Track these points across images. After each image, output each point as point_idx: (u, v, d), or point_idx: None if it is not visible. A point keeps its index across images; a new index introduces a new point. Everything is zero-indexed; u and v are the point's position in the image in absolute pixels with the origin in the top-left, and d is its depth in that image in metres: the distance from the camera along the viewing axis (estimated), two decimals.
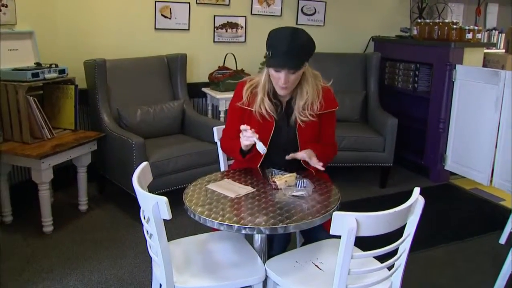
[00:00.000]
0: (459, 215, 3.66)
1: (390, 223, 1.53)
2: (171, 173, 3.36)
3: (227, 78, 4.11)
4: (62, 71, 3.39)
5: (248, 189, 1.95)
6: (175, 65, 4.02)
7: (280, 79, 2.04)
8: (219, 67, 4.32)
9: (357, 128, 4.14)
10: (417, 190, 1.63)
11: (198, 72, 4.37)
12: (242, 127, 2.02)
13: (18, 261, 2.82)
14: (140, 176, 1.84)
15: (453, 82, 4.09)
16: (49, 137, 3.27)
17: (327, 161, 2.20)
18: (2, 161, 3.11)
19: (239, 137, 2.24)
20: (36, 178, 3.06)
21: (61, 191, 3.82)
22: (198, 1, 4.23)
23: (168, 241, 1.72)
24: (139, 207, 1.81)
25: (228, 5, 4.36)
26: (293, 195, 1.88)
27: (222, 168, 2.50)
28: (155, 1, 4.06)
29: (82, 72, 3.67)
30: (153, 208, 1.62)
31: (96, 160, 3.73)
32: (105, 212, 3.58)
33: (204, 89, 4.31)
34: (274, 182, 1.96)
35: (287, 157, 2.10)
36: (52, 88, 3.51)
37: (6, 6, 3.30)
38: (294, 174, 2.01)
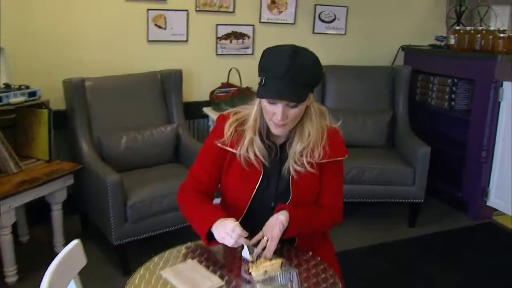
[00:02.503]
0: (506, 264, 3.00)
1: None
2: (153, 215, 2.83)
3: (230, 98, 3.56)
4: (32, 94, 2.92)
5: (214, 283, 1.39)
6: (169, 82, 3.49)
7: (276, 114, 1.50)
8: (222, 84, 3.78)
9: (382, 156, 3.53)
10: None
11: (198, 90, 3.84)
12: (230, 225, 1.50)
13: None
14: (56, 273, 1.31)
15: (499, 102, 3.43)
16: (15, 172, 2.79)
17: (317, 230, 1.69)
18: None
19: (210, 196, 1.69)
20: None
21: (41, 226, 3.33)
22: (197, 8, 3.69)
23: None
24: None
25: (233, 12, 3.80)
26: None
27: None
28: (148, 9, 3.54)
29: (62, 92, 3.20)
30: None
31: (76, 191, 3.24)
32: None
33: (205, 109, 3.77)
34: (249, 273, 1.40)
35: (251, 243, 1.55)
36: (25, 112, 3.04)
37: None
38: (280, 260, 1.44)
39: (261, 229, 1.58)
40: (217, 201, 1.82)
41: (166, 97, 3.50)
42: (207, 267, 1.49)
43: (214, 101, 3.66)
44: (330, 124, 1.68)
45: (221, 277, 1.43)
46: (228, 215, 1.67)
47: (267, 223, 1.57)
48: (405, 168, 3.38)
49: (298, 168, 1.61)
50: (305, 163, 1.61)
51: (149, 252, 2.99)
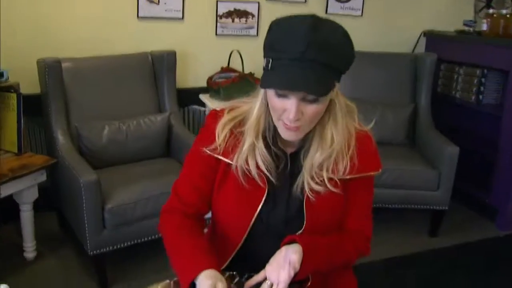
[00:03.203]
0: None
1: None
2: (136, 221, 2.41)
3: (230, 84, 3.12)
4: None
5: None
6: (161, 65, 3.05)
7: (287, 111, 1.07)
8: (222, 68, 3.34)
9: (401, 155, 3.10)
10: None
11: (195, 74, 3.40)
12: None
13: None
14: None
15: None
16: None
17: (339, 267, 1.28)
18: None
19: (201, 220, 1.28)
20: None
21: (13, 225, 2.91)
22: None
23: None
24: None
25: None
26: None
27: None
28: None
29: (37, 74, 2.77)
30: None
31: (52, 186, 2.83)
32: (59, 263, 2.67)
33: (202, 96, 3.33)
34: None
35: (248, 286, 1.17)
36: None
37: None
38: None
39: (263, 267, 1.16)
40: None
41: (157, 81, 3.06)
42: None
43: (212, 87, 3.22)
44: (359, 125, 1.26)
45: None
46: (219, 247, 1.25)
47: (271, 261, 1.15)
48: (429, 171, 2.95)
49: (316, 187, 1.19)
50: (326, 180, 1.19)
51: (131, 262, 2.62)
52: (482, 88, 3.48)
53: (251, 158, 1.19)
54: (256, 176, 1.20)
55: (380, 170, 1.25)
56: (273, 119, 1.15)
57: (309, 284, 1.19)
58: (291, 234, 1.19)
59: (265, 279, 1.14)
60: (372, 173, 1.25)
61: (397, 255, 2.86)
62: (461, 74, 3.62)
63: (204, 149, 1.22)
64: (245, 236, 1.23)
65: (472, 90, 3.53)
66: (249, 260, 1.24)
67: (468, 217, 3.41)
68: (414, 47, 3.96)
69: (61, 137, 2.62)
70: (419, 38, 3.94)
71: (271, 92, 1.10)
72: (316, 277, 1.21)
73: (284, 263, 1.12)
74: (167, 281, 1.22)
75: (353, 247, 1.27)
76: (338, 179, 1.20)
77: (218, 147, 1.21)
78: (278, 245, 1.18)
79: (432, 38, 3.90)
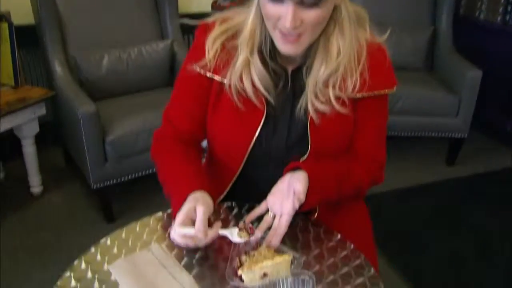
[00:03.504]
0: None
1: None
2: (139, 154, 2.32)
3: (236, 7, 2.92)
4: None
5: (186, 283, 0.89)
6: None
7: (283, 18, 0.92)
8: None
9: (419, 81, 2.92)
10: None
11: None
12: (180, 230, 0.96)
13: None
14: None
15: None
16: None
17: (349, 195, 1.14)
18: None
19: (197, 146, 1.17)
20: None
21: (19, 161, 2.86)
22: None
23: None
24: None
25: None
26: None
27: None
28: None
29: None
30: None
31: (54, 119, 2.75)
32: (65, 197, 2.64)
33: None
34: (238, 276, 0.89)
35: (248, 219, 1.04)
36: None
37: None
38: (289, 256, 0.91)
39: (264, 197, 1.05)
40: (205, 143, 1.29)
41: (158, 7, 2.87)
42: (180, 257, 0.98)
43: (217, 11, 3.02)
44: (371, 36, 1.09)
45: (200, 277, 0.93)
46: (216, 177, 1.13)
47: (274, 190, 1.04)
48: (448, 96, 2.78)
49: (321, 107, 1.05)
50: (332, 99, 1.04)
51: (136, 196, 2.56)
52: (509, 8, 3.21)
53: (245, 75, 1.05)
54: (253, 96, 1.06)
55: (394, 88, 1.10)
56: (269, 29, 1.00)
57: (315, 215, 1.09)
58: (294, 160, 1.08)
59: (267, 211, 1.03)
60: (385, 91, 1.10)
61: (412, 184, 2.75)
62: None
63: (194, 65, 1.08)
64: (243, 163, 1.12)
65: (498, 10, 3.27)
66: (249, 190, 1.13)
67: (488, 145, 3.26)
68: None
69: (58, 69, 2.49)
70: None
71: None
72: (324, 207, 1.11)
73: (287, 192, 1.00)
74: (160, 213, 1.13)
75: (365, 173, 1.14)
76: (347, 98, 1.06)
77: (208, 63, 1.07)
78: (280, 173, 1.07)
79: None
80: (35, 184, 2.62)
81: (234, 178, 1.15)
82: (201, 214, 0.92)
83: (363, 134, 1.14)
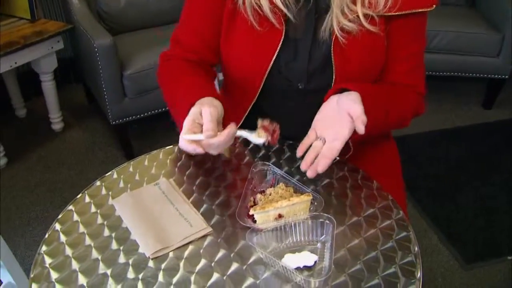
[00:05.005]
0: None
1: None
2: (158, 88, 2.22)
3: None
4: None
5: (194, 228, 0.81)
6: None
7: None
8: None
9: (459, 15, 2.70)
10: None
11: None
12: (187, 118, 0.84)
13: None
14: None
15: None
16: None
17: (394, 127, 1.04)
18: None
19: (208, 70, 1.06)
20: None
21: (40, 98, 2.82)
22: None
23: None
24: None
25: None
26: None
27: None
28: None
29: None
30: None
31: (74, 56, 2.68)
32: (86, 134, 2.60)
33: None
34: (250, 215, 0.80)
35: (298, 154, 0.90)
36: None
37: None
38: (308, 196, 0.81)
39: (280, 126, 0.94)
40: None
41: None
42: (189, 193, 0.90)
43: None
44: None
45: (209, 214, 0.85)
46: (232, 106, 1.03)
47: (320, 115, 0.92)
48: (490, 33, 2.56)
49: (348, 25, 0.91)
50: (361, 16, 0.91)
51: (156, 133, 2.50)
52: None
53: None
54: (270, 14, 0.93)
55: (434, 6, 0.95)
56: None
57: (349, 155, 0.98)
58: (316, 91, 0.96)
59: (316, 139, 0.89)
60: (423, 10, 0.95)
61: (446, 127, 2.60)
62: None
63: None
64: (259, 90, 1.01)
65: None
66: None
67: None
68: None
69: (76, 1, 2.38)
70: None
71: None
72: (354, 144, 1.00)
73: (340, 116, 0.87)
74: (170, 147, 1.04)
75: (409, 102, 1.02)
76: (377, 16, 0.92)
77: None
78: (302, 106, 0.96)
79: None
80: (56, 121, 2.58)
81: (249, 108, 1.04)
82: (207, 115, 0.81)
83: (398, 60, 1.01)
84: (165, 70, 1.07)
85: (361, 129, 0.83)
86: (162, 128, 2.53)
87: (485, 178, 2.26)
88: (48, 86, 2.46)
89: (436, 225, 1.95)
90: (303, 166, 0.86)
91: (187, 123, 0.83)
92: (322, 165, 0.84)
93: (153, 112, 2.28)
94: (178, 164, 0.99)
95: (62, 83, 2.50)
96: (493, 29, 2.59)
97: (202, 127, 0.81)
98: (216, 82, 1.26)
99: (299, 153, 0.89)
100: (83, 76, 2.71)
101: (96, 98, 2.45)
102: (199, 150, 0.82)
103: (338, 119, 0.87)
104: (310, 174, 0.85)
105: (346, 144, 0.87)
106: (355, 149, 0.98)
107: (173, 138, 2.52)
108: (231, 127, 0.81)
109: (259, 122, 0.86)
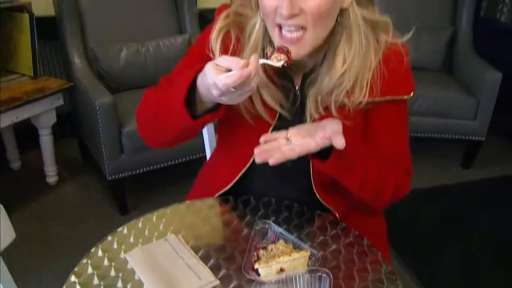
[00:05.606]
0: None
1: None
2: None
3: None
4: None
5: (203, 281, 0.89)
6: None
7: (280, 7, 0.89)
8: None
9: (438, 82, 2.89)
10: None
11: None
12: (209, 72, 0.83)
13: None
14: None
15: None
16: None
17: (371, 189, 1.04)
18: None
19: None
20: None
21: (35, 151, 2.88)
22: None
23: None
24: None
25: None
26: None
27: (208, 154, 1.43)
28: None
29: None
30: None
31: (72, 113, 2.77)
32: (80, 188, 2.66)
33: None
34: (255, 269, 0.88)
35: (261, 140, 0.94)
36: (4, 17, 2.50)
37: None
38: (307, 252, 0.90)
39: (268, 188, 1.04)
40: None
41: (177, 1, 2.88)
42: (197, 248, 0.98)
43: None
44: (393, 38, 1.03)
45: (216, 268, 0.93)
46: (228, 160, 1.12)
47: (297, 126, 0.97)
48: (467, 98, 2.75)
49: (317, 116, 1.01)
50: (332, 108, 1.00)
51: (150, 188, 2.57)
52: None
53: (254, 95, 1.00)
54: (263, 113, 1.03)
55: (411, 94, 1.05)
56: (269, 30, 0.95)
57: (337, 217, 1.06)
58: (298, 172, 1.06)
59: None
60: (400, 97, 1.04)
61: (429, 186, 2.72)
62: None
63: (206, 49, 1.04)
64: (248, 163, 1.09)
65: None
66: (251, 189, 1.14)
67: (505, 150, 3.22)
68: None
69: (77, 60, 2.51)
70: None
71: None
72: (343, 208, 1.09)
73: (316, 130, 0.91)
74: (176, 204, 1.13)
75: (392, 173, 1.06)
76: (350, 106, 1.00)
77: (212, 52, 1.04)
78: (284, 183, 1.09)
79: None
80: (51, 174, 2.64)
81: (243, 171, 1.11)
82: (228, 57, 0.83)
83: (384, 140, 1.07)
84: (150, 94, 1.10)
85: (339, 143, 0.86)
86: (156, 184, 2.61)
87: (466, 234, 2.36)
88: (46, 140, 2.54)
89: (420, 280, 2.03)
90: (257, 150, 0.90)
91: (210, 68, 0.82)
92: (275, 158, 0.88)
93: (148, 168, 2.36)
94: (185, 221, 1.07)
95: (56, 136, 2.59)
96: (469, 94, 2.77)
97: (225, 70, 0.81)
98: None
99: (262, 139, 0.92)
100: (79, 131, 2.80)
101: (92, 153, 2.53)
102: (246, 88, 0.82)
103: (312, 131, 0.92)
104: (258, 159, 0.89)
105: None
106: (347, 215, 1.08)
107: (166, 193, 2.60)
108: (252, 56, 0.82)
109: (270, 49, 0.92)
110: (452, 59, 3.10)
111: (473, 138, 2.82)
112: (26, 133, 2.73)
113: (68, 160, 2.89)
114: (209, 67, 0.82)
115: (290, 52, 0.90)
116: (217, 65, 0.82)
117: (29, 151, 2.91)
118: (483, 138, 2.81)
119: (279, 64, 0.89)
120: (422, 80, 2.81)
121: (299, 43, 0.92)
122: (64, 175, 2.72)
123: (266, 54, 0.94)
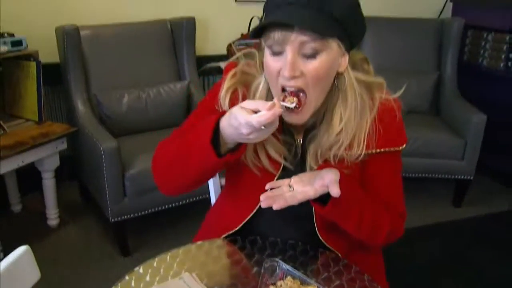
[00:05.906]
0: None
1: None
2: (156, 189, 2.38)
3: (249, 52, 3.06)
4: (17, 43, 2.47)
5: None
6: (180, 32, 2.99)
7: (283, 69, 0.99)
8: (242, 35, 3.27)
9: (426, 123, 3.02)
10: None
11: (214, 42, 3.33)
12: (238, 114, 0.93)
13: None
14: None
15: None
16: None
17: (368, 233, 1.13)
18: None
19: None
20: None
21: (35, 194, 2.93)
22: None
23: None
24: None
25: None
26: None
27: (213, 199, 1.52)
28: None
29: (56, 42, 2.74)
30: None
31: (74, 157, 2.84)
32: (81, 231, 2.70)
33: (222, 64, 3.25)
34: None
35: (267, 186, 1.06)
36: (11, 65, 2.61)
37: None
38: (314, 287, 0.98)
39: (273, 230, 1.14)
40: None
41: (176, 49, 3.02)
42: (210, 286, 1.05)
43: (232, 55, 3.16)
44: (387, 95, 1.14)
45: None
46: (236, 204, 1.21)
47: (300, 174, 1.08)
48: (454, 139, 2.87)
49: (316, 168, 1.11)
50: (331, 159, 1.10)
51: (151, 230, 2.63)
52: (511, 55, 3.35)
53: (260, 149, 1.12)
54: (269, 166, 1.13)
55: (404, 145, 1.16)
56: (273, 91, 1.06)
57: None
58: (302, 215, 1.16)
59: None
60: (393, 149, 1.14)
61: (419, 225, 2.80)
62: (489, 41, 3.49)
63: (216, 105, 1.14)
64: (253, 211, 1.19)
65: (501, 57, 3.39)
66: (257, 232, 1.22)
67: (494, 188, 3.33)
68: (441, 12, 3.82)
69: (81, 106, 2.62)
70: (445, 3, 3.80)
71: (267, 53, 1.02)
72: (345, 247, 1.18)
73: (315, 179, 1.01)
74: (188, 245, 1.20)
75: (387, 218, 1.15)
76: (348, 159, 1.10)
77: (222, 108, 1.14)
78: (288, 225, 1.17)
79: (459, 3, 3.75)
80: (53, 217, 2.69)
81: (248, 218, 1.20)
82: (254, 100, 0.97)
83: (380, 188, 1.17)
84: (165, 144, 1.18)
85: (335, 192, 0.96)
86: (157, 225, 2.66)
87: (457, 273, 2.43)
88: (49, 183, 2.61)
89: None
90: (263, 196, 1.01)
91: (239, 110, 0.92)
92: (278, 204, 0.99)
93: (149, 210, 2.42)
94: (197, 260, 1.14)
95: (57, 180, 2.65)
96: (456, 135, 2.90)
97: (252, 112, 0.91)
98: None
99: (267, 186, 1.04)
100: (79, 174, 2.87)
101: (94, 196, 2.59)
102: (274, 122, 0.91)
103: (312, 180, 1.02)
104: (263, 204, 1.00)
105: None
106: (348, 254, 1.17)
107: (167, 235, 2.64)
108: (275, 99, 0.95)
109: (283, 94, 1.02)
110: (439, 102, 3.25)
111: (462, 177, 2.93)
112: (28, 176, 2.79)
113: (69, 203, 2.94)
114: (237, 110, 0.92)
115: (299, 96, 1.01)
116: (243, 108, 0.92)
117: (29, 194, 2.96)
118: (472, 177, 2.92)
119: (292, 105, 1.00)
120: (411, 123, 2.94)
121: (302, 110, 1.03)
122: (65, 218, 2.77)
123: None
